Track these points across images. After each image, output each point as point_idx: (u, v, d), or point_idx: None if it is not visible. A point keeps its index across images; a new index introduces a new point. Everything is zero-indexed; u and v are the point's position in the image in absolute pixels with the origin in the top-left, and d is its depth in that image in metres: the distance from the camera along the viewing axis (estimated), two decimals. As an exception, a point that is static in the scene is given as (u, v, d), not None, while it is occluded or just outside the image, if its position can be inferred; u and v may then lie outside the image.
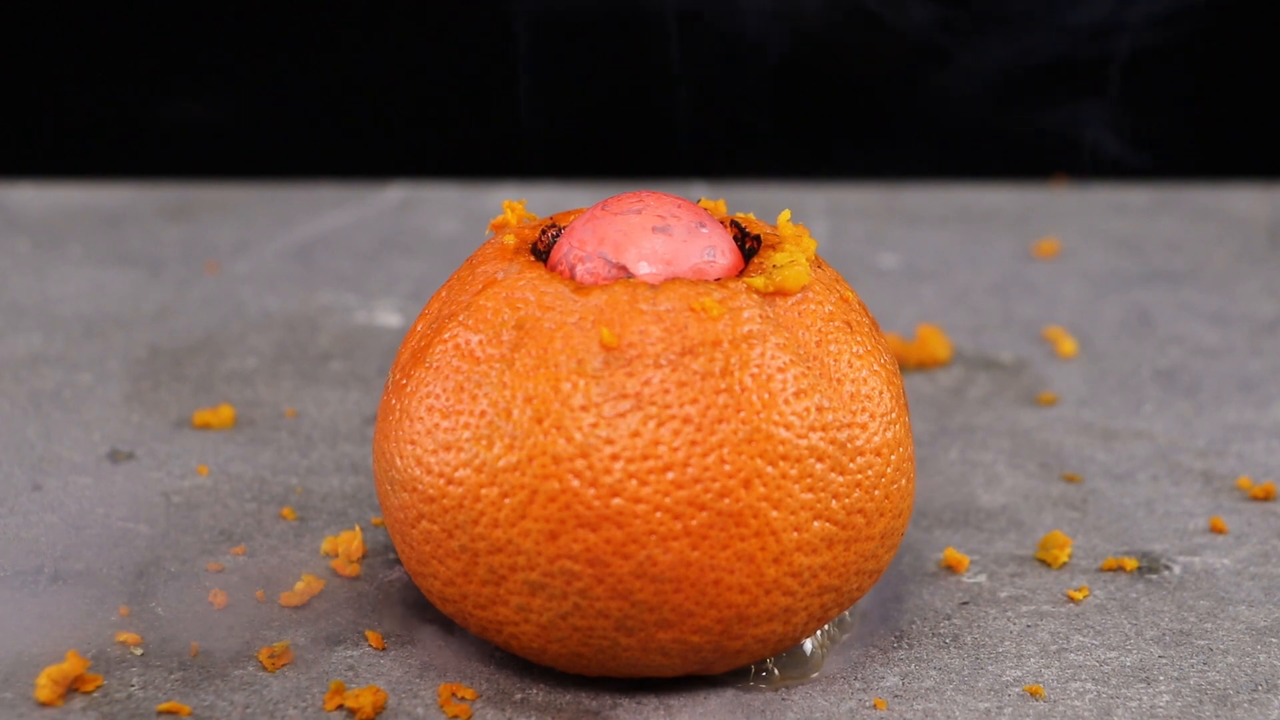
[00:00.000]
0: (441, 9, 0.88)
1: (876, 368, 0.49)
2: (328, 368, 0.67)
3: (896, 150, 0.89)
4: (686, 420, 0.46)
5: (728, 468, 0.46)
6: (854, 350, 0.48)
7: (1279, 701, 0.49)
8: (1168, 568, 0.55)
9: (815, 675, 0.50)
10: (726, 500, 0.46)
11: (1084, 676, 0.50)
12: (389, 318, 0.71)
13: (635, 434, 0.46)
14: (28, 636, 0.50)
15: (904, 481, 0.49)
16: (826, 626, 0.51)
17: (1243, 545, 0.56)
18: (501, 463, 0.46)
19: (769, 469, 0.46)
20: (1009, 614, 0.52)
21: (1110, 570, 0.55)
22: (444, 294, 0.50)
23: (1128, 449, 0.62)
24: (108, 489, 0.57)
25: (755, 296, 0.47)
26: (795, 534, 0.46)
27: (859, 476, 0.47)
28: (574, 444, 0.46)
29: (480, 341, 0.47)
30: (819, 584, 0.47)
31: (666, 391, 0.46)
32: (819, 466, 0.47)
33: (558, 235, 0.51)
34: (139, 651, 0.50)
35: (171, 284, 0.74)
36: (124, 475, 0.58)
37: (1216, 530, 0.57)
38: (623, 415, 0.46)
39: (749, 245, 0.50)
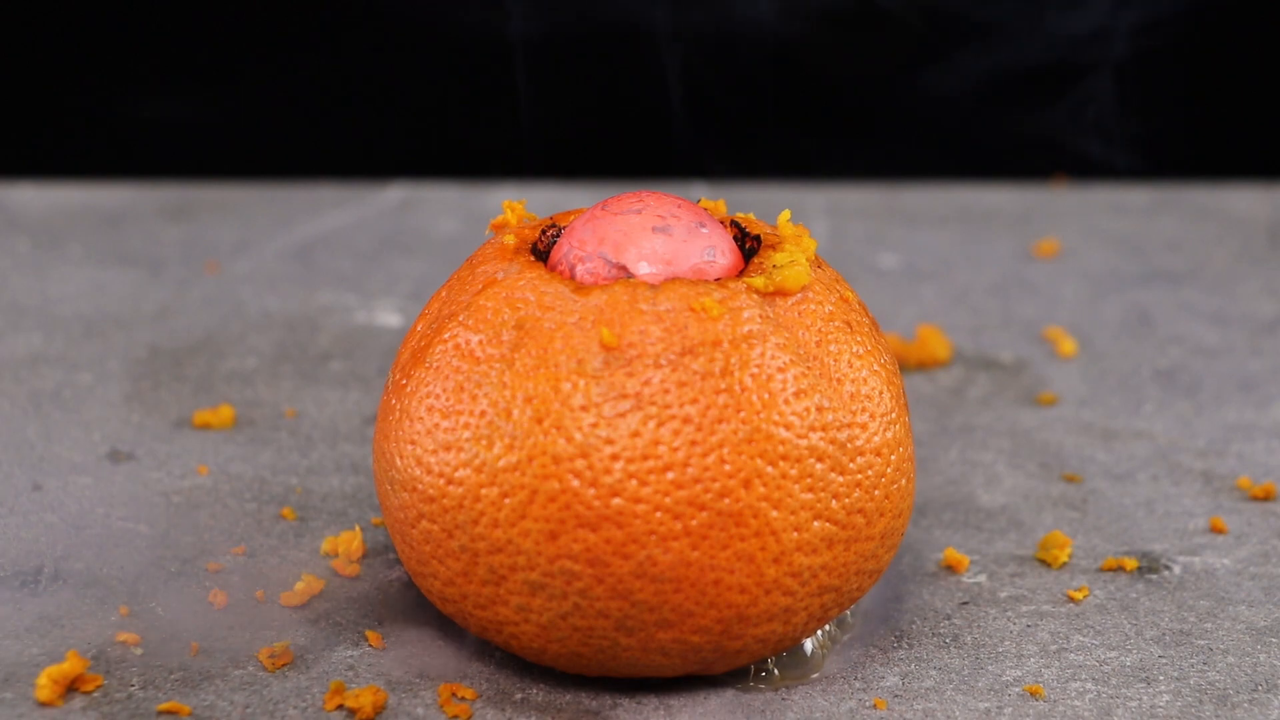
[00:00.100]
0: (442, 9, 0.88)
1: (876, 368, 0.49)
2: (328, 368, 0.67)
3: (896, 150, 0.89)
4: (686, 420, 0.46)
5: (728, 468, 0.46)
6: (854, 350, 0.48)
7: (1279, 701, 0.49)
8: (1168, 568, 0.55)
9: (815, 676, 0.50)
10: (726, 500, 0.46)
11: (1084, 676, 0.50)
12: (389, 318, 0.71)
13: (635, 434, 0.46)
14: (28, 636, 0.50)
15: (904, 481, 0.49)
16: (828, 626, 0.51)
17: (1243, 545, 0.56)
18: (501, 463, 0.46)
19: (769, 469, 0.46)
20: (1009, 614, 0.52)
21: (1110, 570, 0.55)
22: (444, 294, 0.50)
23: (1128, 449, 0.62)
24: (108, 489, 0.57)
25: (755, 296, 0.47)
26: (795, 534, 0.46)
27: (859, 476, 0.47)
28: (574, 444, 0.46)
29: (480, 341, 0.47)
30: (819, 584, 0.47)
31: (666, 391, 0.46)
32: (819, 466, 0.47)
33: (558, 235, 0.51)
34: (139, 651, 0.50)
35: (171, 284, 0.74)
36: (124, 475, 0.58)
37: (1216, 530, 0.57)
38: (623, 415, 0.46)
39: (749, 245, 0.50)
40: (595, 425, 0.46)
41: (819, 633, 0.50)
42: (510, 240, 0.50)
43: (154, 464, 0.59)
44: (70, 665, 0.48)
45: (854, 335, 0.49)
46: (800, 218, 0.81)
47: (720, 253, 0.48)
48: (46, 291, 0.73)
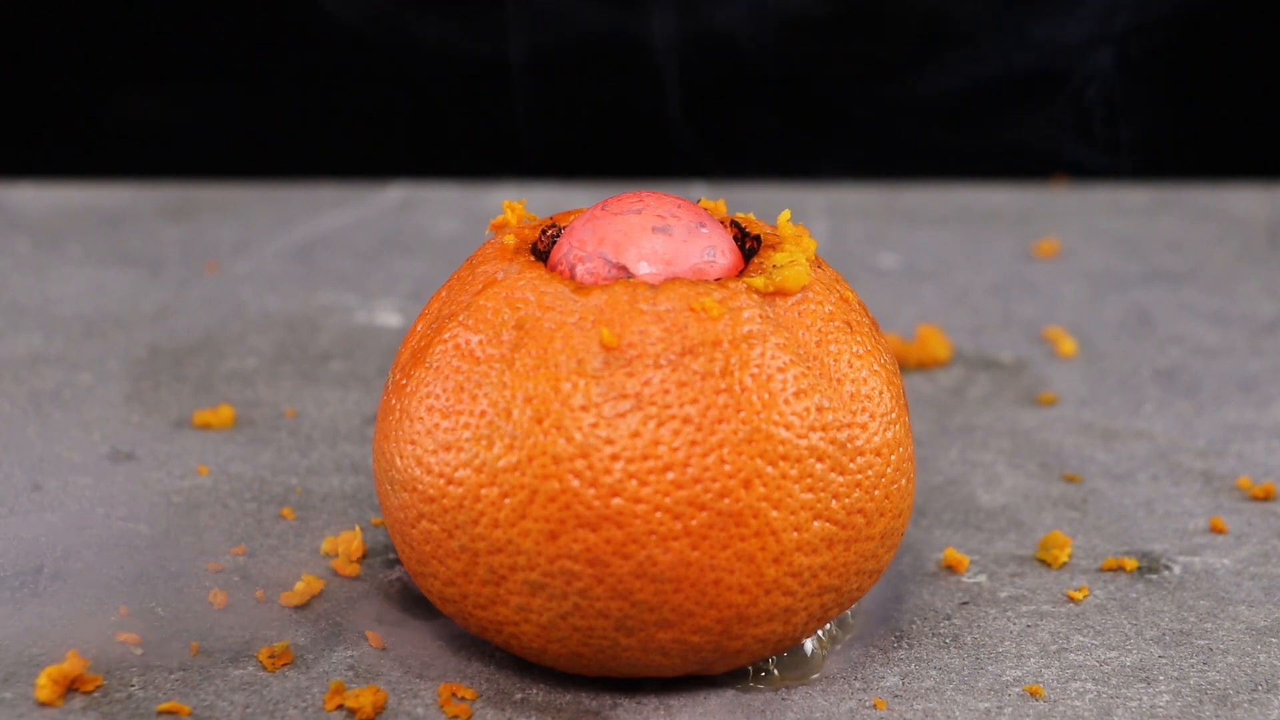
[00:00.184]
0: (442, 9, 0.88)
1: (876, 368, 0.49)
2: (328, 368, 0.67)
3: (896, 150, 0.89)
4: (686, 420, 0.46)
5: (728, 468, 0.46)
6: (854, 350, 0.48)
7: (1279, 701, 0.49)
8: (1168, 568, 0.55)
9: (815, 676, 0.50)
10: (726, 500, 0.46)
11: (1084, 676, 0.50)
12: (389, 318, 0.71)
13: (635, 434, 0.46)
14: (28, 636, 0.50)
15: (904, 481, 0.49)
16: (829, 626, 0.51)
17: (1243, 545, 0.56)
18: (501, 463, 0.46)
19: (769, 469, 0.46)
20: (1009, 614, 0.52)
21: (1110, 570, 0.55)
22: (444, 294, 0.50)
23: (1128, 449, 0.62)
24: (108, 489, 0.57)
25: (755, 296, 0.47)
26: (795, 534, 0.46)
27: (859, 476, 0.47)
28: (574, 444, 0.46)
29: (480, 341, 0.47)
30: (819, 584, 0.47)
31: (666, 391, 0.46)
32: (819, 466, 0.47)
33: (558, 235, 0.51)
34: (139, 651, 0.50)
35: (171, 284, 0.74)
36: (124, 475, 0.58)
37: (1216, 530, 0.57)
38: (623, 415, 0.46)
39: (749, 245, 0.50)
40: (595, 425, 0.46)
41: (819, 633, 0.50)
42: (510, 240, 0.50)
43: (154, 464, 0.59)
44: (70, 665, 0.48)
45: (854, 335, 0.49)
46: (800, 218, 0.81)
47: (720, 253, 0.48)
48: (46, 291, 0.73)
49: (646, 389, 0.46)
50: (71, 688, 0.48)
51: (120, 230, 0.79)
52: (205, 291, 0.73)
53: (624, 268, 0.48)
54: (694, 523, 0.46)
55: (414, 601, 0.52)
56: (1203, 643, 0.51)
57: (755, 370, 0.46)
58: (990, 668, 0.50)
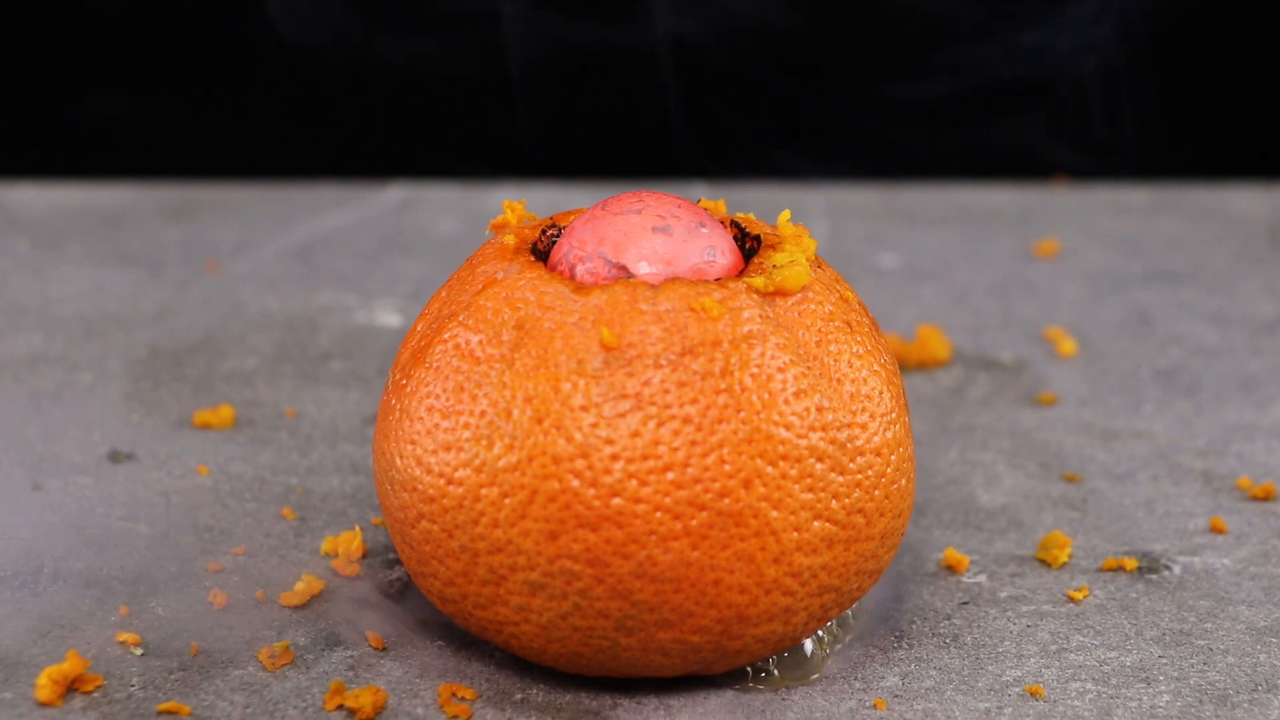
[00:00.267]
0: (442, 9, 0.88)
1: (876, 368, 0.49)
2: (328, 368, 0.67)
3: (896, 150, 0.89)
4: (686, 420, 0.46)
5: (728, 468, 0.46)
6: (854, 350, 0.48)
7: (1279, 701, 0.49)
8: (1168, 568, 0.55)
9: (816, 676, 0.50)
10: (726, 500, 0.46)
11: (1084, 676, 0.50)
12: (389, 318, 0.71)
13: (635, 434, 0.46)
14: (28, 636, 0.50)
15: (904, 481, 0.49)
16: (830, 626, 0.51)
17: (1243, 545, 0.56)
18: (501, 463, 0.46)
19: (769, 469, 0.46)
20: (1009, 614, 0.52)
21: (1110, 570, 0.55)
22: (444, 294, 0.50)
23: (1128, 449, 0.62)
24: (108, 489, 0.57)
25: (755, 296, 0.47)
26: (795, 534, 0.46)
27: (859, 476, 0.47)
28: (574, 444, 0.46)
29: (480, 341, 0.47)
30: (819, 584, 0.47)
31: (666, 391, 0.46)
32: (819, 466, 0.47)
33: (558, 235, 0.51)
34: (139, 651, 0.50)
35: (171, 284, 0.74)
36: (124, 475, 0.58)
37: (1216, 530, 0.57)
38: (623, 415, 0.46)
39: (749, 245, 0.50)
40: (595, 425, 0.46)
41: (820, 633, 0.50)
42: (510, 240, 0.50)
43: (154, 464, 0.59)
44: (70, 665, 0.48)
45: (854, 335, 0.49)
46: (800, 218, 0.81)
47: (720, 253, 0.48)
48: (46, 291, 0.73)
49: (646, 389, 0.46)
50: (71, 688, 0.48)
51: (120, 230, 0.79)
52: (205, 291, 0.73)
53: (624, 268, 0.48)
54: (694, 523, 0.46)
55: (414, 601, 0.52)
56: (1203, 643, 0.51)
57: (755, 370, 0.46)
58: (990, 668, 0.50)
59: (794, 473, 0.46)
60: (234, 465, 0.59)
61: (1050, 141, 0.86)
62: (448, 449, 0.47)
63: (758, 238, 0.50)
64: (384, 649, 0.50)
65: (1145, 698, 0.49)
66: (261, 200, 0.83)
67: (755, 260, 0.49)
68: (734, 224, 0.51)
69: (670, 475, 0.46)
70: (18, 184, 0.84)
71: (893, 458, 0.48)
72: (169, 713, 0.47)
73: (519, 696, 0.49)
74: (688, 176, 0.85)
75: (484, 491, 0.46)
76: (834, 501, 0.47)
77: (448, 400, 0.47)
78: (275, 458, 0.60)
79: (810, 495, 0.47)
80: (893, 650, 0.51)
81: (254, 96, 0.91)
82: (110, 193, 0.84)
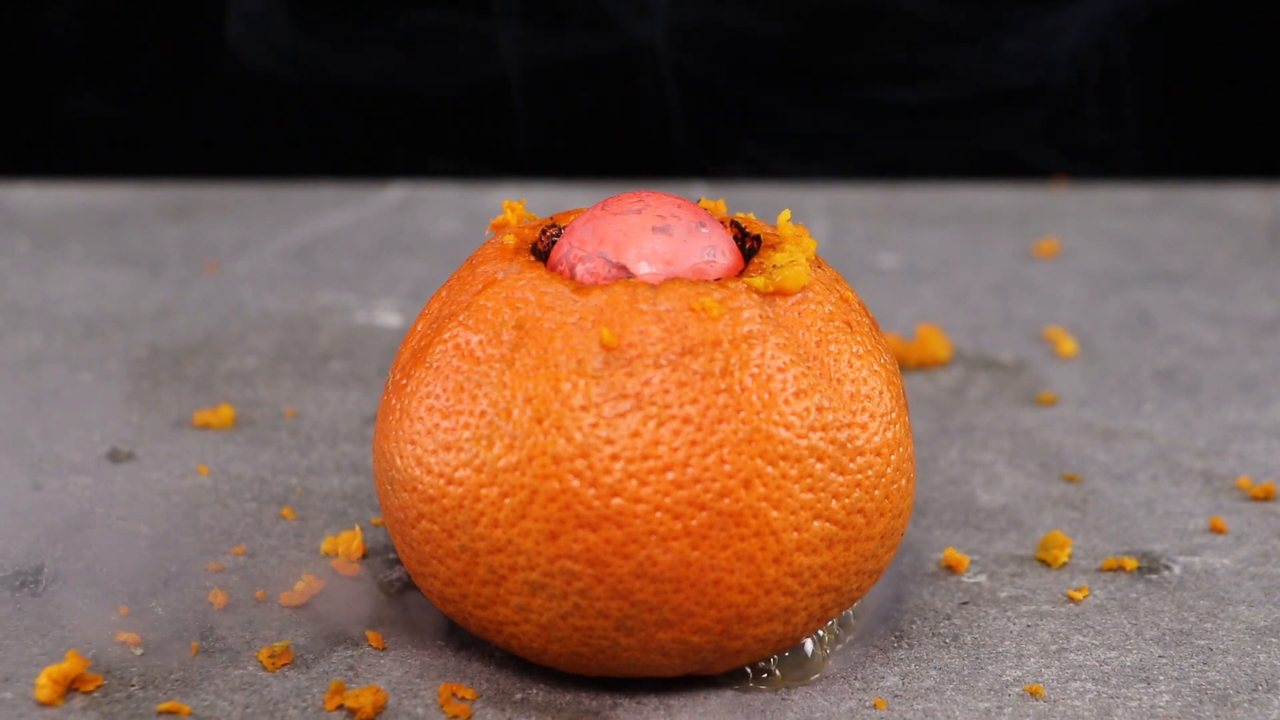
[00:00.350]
0: (442, 9, 0.88)
1: (876, 368, 0.49)
2: (328, 368, 0.67)
3: (896, 150, 0.89)
4: (686, 420, 0.46)
5: (728, 468, 0.46)
6: (854, 350, 0.48)
7: (1279, 701, 0.49)
8: (1168, 568, 0.55)
9: (816, 677, 0.50)
10: (726, 500, 0.46)
11: (1084, 676, 0.50)
12: (389, 318, 0.71)
13: (635, 434, 0.46)
14: (28, 636, 0.50)
15: (904, 481, 0.49)
16: (831, 625, 0.51)
17: (1243, 545, 0.56)
18: (501, 463, 0.46)
19: (769, 469, 0.46)
20: (1009, 614, 0.52)
21: (1110, 570, 0.55)
22: (444, 294, 0.50)
23: (1128, 449, 0.62)
24: (108, 489, 0.57)
25: (755, 296, 0.47)
26: (795, 534, 0.46)
27: (859, 476, 0.47)
28: (574, 444, 0.46)
29: (480, 341, 0.47)
30: (819, 584, 0.47)
31: (666, 391, 0.46)
32: (819, 466, 0.47)
33: (558, 235, 0.51)
34: (139, 651, 0.50)
35: (171, 284, 0.74)
36: (124, 475, 0.58)
37: (1216, 530, 0.57)
38: (623, 415, 0.46)
39: (749, 245, 0.50)
40: (595, 425, 0.46)
41: (820, 633, 0.50)
42: (510, 240, 0.50)
43: (154, 464, 0.59)
44: (70, 665, 0.48)
45: (854, 335, 0.49)
46: (800, 218, 0.81)
47: (720, 253, 0.48)
48: (46, 291, 0.73)
49: (646, 389, 0.46)
50: (71, 688, 0.48)
51: (120, 230, 0.79)
52: (205, 291, 0.73)
53: (624, 268, 0.48)
54: (694, 523, 0.46)
55: (414, 601, 0.52)
56: (1203, 643, 0.51)
57: (755, 370, 0.46)
58: (990, 668, 0.50)
59: (794, 473, 0.46)
60: (234, 465, 0.59)
61: (1049, 144, 0.86)
62: (448, 449, 0.47)
63: (758, 238, 0.50)
64: (384, 649, 0.50)
65: (1145, 698, 0.49)
66: (261, 200, 0.83)
67: (755, 260, 0.49)
68: (734, 224, 0.51)
69: (670, 475, 0.46)
70: (18, 184, 0.84)
71: (893, 458, 0.48)
72: (169, 713, 0.47)
73: (519, 696, 0.49)
74: (688, 176, 0.85)
75: (484, 491, 0.46)
76: (834, 501, 0.47)
77: (448, 400, 0.47)
78: (275, 458, 0.60)
79: (810, 495, 0.47)
80: (893, 650, 0.51)
81: (254, 96, 0.91)
82: (110, 193, 0.84)
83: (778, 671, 0.49)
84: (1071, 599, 0.53)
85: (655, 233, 0.48)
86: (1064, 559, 0.55)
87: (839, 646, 0.51)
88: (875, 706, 0.48)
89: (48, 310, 0.71)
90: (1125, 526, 0.57)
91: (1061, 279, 0.76)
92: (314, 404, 0.64)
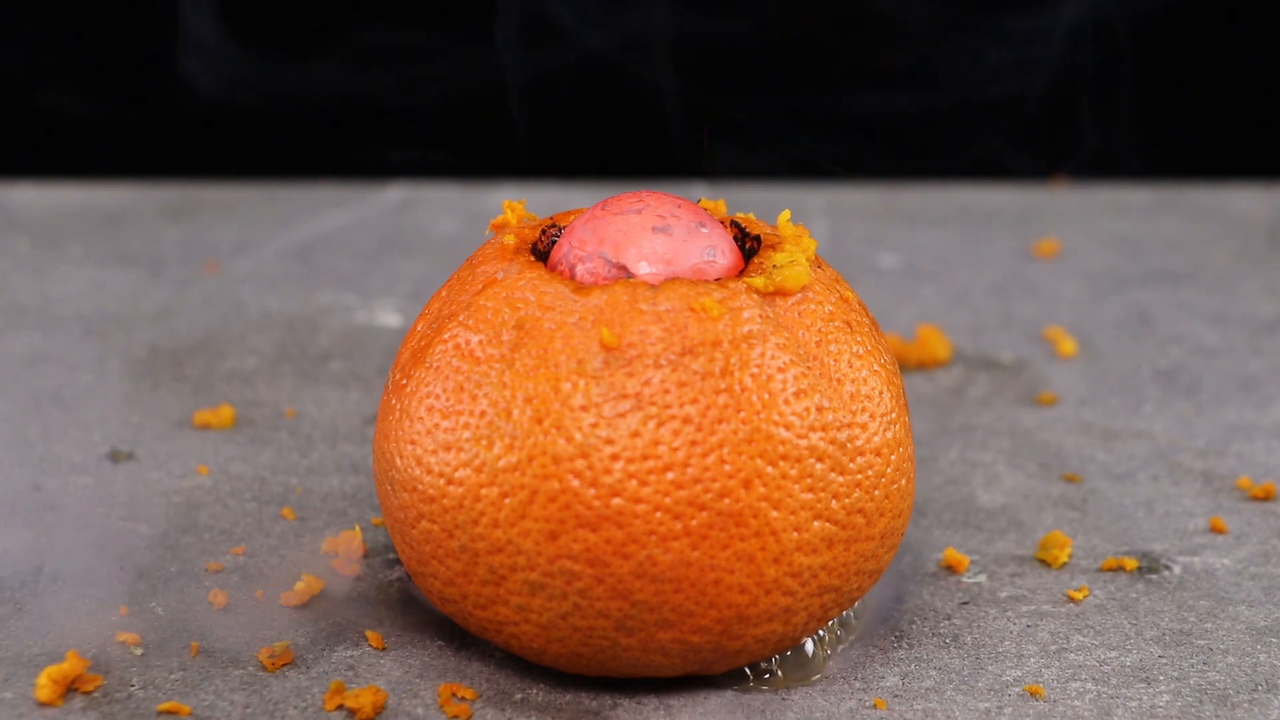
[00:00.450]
0: (441, 9, 0.88)
1: (876, 368, 0.49)
2: (328, 368, 0.67)
3: (896, 150, 0.89)
4: (686, 420, 0.46)
5: (728, 468, 0.46)
6: (854, 350, 0.48)
7: (1279, 701, 0.49)
8: (1168, 568, 0.55)
9: (817, 677, 0.50)
10: (726, 500, 0.46)
11: (1084, 676, 0.50)
12: (389, 318, 0.71)
13: (635, 434, 0.46)
14: (28, 636, 0.50)
15: (904, 481, 0.49)
16: (831, 626, 0.51)
17: (1243, 545, 0.56)
18: (501, 463, 0.46)
19: (769, 469, 0.46)
20: (1009, 614, 0.52)
21: (1110, 570, 0.55)
22: (444, 294, 0.50)
23: (1128, 449, 0.62)
24: (108, 489, 0.57)
25: (755, 296, 0.47)
26: (795, 534, 0.46)
27: (859, 476, 0.47)
28: (574, 444, 0.46)
29: (480, 341, 0.47)
30: (819, 584, 0.47)
31: (666, 391, 0.46)
32: (819, 466, 0.47)
33: (558, 235, 0.51)
34: (139, 651, 0.50)
35: (171, 284, 0.74)
36: (124, 475, 0.58)
37: (1216, 530, 0.57)
38: (623, 415, 0.46)
39: (749, 245, 0.50)
40: (595, 425, 0.46)
41: (821, 633, 0.50)
42: (510, 240, 0.50)
43: (154, 464, 0.59)
44: (70, 665, 0.48)
45: (854, 335, 0.49)
46: (800, 218, 0.81)
47: (720, 253, 0.48)
48: (46, 291, 0.73)
49: (646, 389, 0.46)
50: (71, 688, 0.48)
51: (120, 230, 0.79)
52: (205, 291, 0.73)
53: (624, 268, 0.48)
54: (694, 523, 0.46)
55: (414, 601, 0.52)
56: (1203, 643, 0.51)
57: (755, 370, 0.46)
58: (990, 668, 0.50)
59: (794, 473, 0.46)
60: (234, 465, 0.59)
61: (1047, 141, 0.86)
62: (448, 449, 0.47)
63: (758, 238, 0.50)
64: (384, 649, 0.50)
65: (1145, 698, 0.49)
66: (261, 200, 0.83)
67: (755, 260, 0.49)
68: (734, 224, 0.51)
69: (670, 475, 0.46)
70: (18, 184, 0.84)
71: (893, 458, 0.48)
72: (169, 713, 0.47)
73: (519, 696, 0.49)
74: (688, 176, 0.85)
75: (484, 491, 0.46)
76: (834, 501, 0.47)
77: (448, 400, 0.47)
78: (275, 458, 0.60)
79: (810, 495, 0.47)
80: (893, 650, 0.51)
81: (254, 96, 0.91)
82: (110, 193, 0.84)
83: (779, 671, 0.49)
84: (1071, 599, 0.53)
85: (655, 233, 0.48)
86: (1064, 559, 0.55)
87: (840, 647, 0.51)
88: (875, 706, 0.48)
89: (48, 310, 0.71)
90: (1125, 526, 0.57)
91: (1061, 279, 0.76)
92: (314, 404, 0.64)
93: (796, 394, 0.47)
